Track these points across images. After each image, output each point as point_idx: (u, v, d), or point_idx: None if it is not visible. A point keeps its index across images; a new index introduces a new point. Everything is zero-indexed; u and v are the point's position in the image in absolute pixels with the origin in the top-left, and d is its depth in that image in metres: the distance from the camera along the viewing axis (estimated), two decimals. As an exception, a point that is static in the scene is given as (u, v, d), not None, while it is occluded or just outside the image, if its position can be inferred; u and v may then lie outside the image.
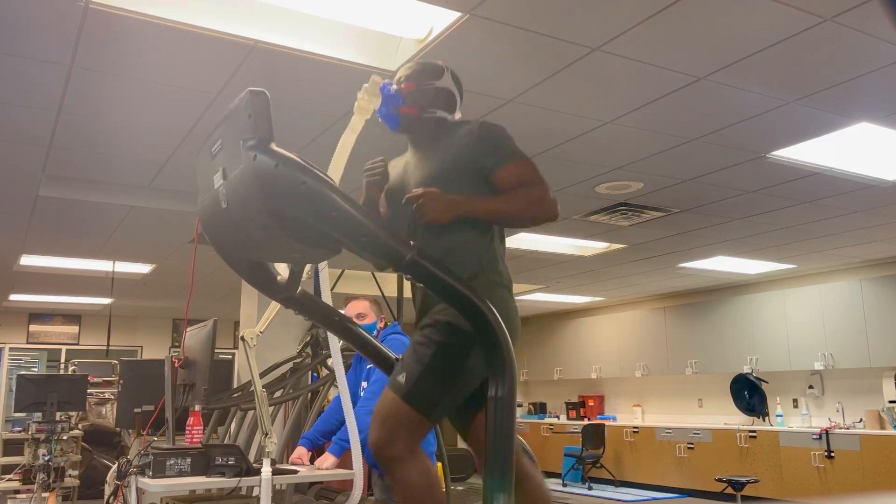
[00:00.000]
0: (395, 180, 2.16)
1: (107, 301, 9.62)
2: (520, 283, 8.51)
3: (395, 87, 2.09)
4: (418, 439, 1.89)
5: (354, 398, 3.55)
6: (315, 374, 5.65)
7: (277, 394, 4.75)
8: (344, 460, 3.31)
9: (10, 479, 6.02)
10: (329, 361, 5.19)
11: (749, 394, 8.25)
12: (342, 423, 3.60)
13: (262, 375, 4.86)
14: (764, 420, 8.18)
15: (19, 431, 6.52)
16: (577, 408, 10.62)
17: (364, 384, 3.47)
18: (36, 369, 10.67)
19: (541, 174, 1.97)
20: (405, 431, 1.86)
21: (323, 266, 2.88)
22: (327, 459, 3.31)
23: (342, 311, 2.84)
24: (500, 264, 2.03)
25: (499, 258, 2.03)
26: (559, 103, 3.47)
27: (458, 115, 2.17)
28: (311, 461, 3.44)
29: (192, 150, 3.98)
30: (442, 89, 2.12)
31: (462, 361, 1.88)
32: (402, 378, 1.88)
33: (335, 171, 2.13)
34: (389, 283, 7.74)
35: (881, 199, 5.10)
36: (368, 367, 3.47)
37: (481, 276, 1.95)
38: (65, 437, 5.55)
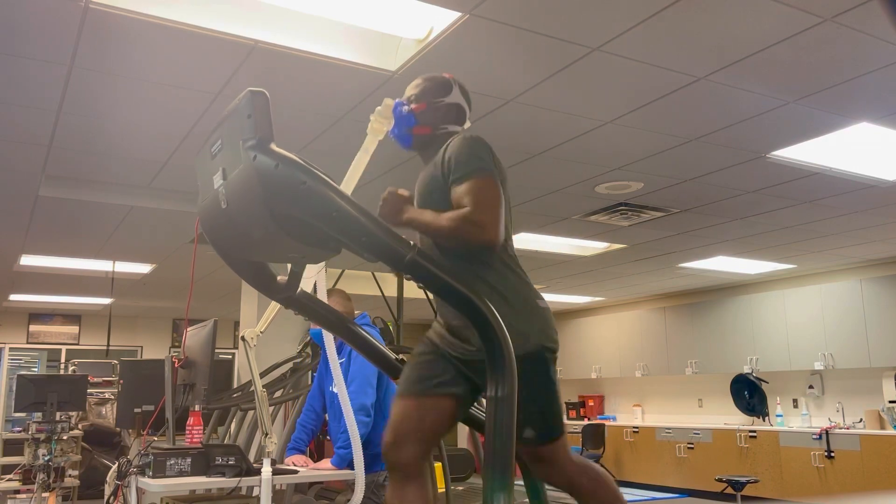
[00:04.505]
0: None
1: (107, 301, 9.62)
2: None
3: (405, 107, 2.11)
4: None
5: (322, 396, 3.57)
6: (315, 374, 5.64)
7: (277, 394, 4.75)
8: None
9: (10, 479, 6.03)
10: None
11: (749, 394, 8.25)
12: (317, 426, 3.60)
13: (262, 375, 4.86)
14: (764, 420, 8.18)
15: (19, 431, 6.52)
16: (577, 408, 10.62)
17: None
18: (36, 369, 10.67)
19: (490, 198, 1.90)
20: (564, 448, 2.11)
21: (320, 266, 2.88)
22: (326, 464, 3.31)
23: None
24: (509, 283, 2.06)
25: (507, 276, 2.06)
26: (559, 103, 3.47)
27: (467, 125, 2.20)
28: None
29: (192, 150, 3.98)
30: (452, 105, 2.15)
31: (550, 376, 2.14)
32: (529, 433, 2.03)
33: (347, 189, 2.19)
34: (389, 283, 7.74)
35: (881, 199, 5.10)
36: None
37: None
38: (65, 437, 5.55)
